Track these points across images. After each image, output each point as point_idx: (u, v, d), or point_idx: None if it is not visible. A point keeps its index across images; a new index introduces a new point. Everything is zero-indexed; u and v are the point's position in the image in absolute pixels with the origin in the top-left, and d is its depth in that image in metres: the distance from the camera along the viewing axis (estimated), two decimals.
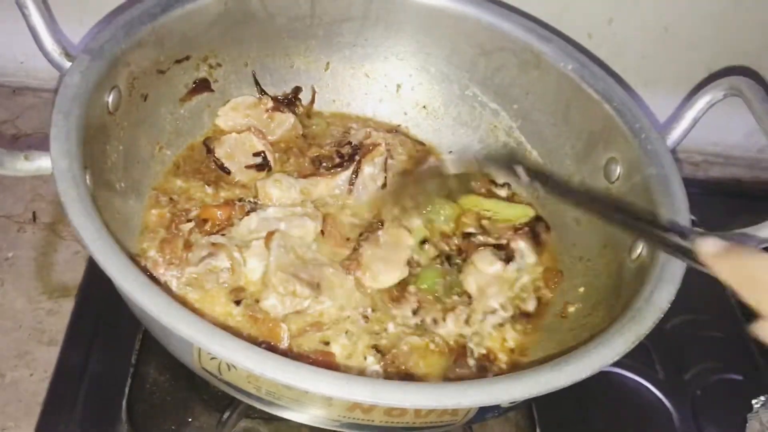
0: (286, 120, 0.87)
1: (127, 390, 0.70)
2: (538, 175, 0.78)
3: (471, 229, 0.81)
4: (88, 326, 0.76)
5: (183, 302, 0.67)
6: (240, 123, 0.86)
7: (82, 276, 0.82)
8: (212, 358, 0.51)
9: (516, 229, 0.82)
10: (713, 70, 1.04)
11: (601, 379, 0.76)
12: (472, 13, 0.85)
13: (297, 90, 0.91)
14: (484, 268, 0.74)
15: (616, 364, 0.56)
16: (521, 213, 0.82)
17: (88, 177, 0.61)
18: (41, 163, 0.59)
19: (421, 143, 0.93)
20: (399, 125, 0.94)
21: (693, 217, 0.68)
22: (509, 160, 0.81)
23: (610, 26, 0.99)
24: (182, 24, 0.77)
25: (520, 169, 0.76)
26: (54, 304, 0.81)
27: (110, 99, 0.69)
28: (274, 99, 0.88)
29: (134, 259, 0.69)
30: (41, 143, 0.59)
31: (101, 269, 0.52)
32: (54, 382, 0.71)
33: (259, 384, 0.53)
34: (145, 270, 0.69)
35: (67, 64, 0.67)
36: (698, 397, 0.82)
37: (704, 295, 0.92)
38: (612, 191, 0.77)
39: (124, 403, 0.69)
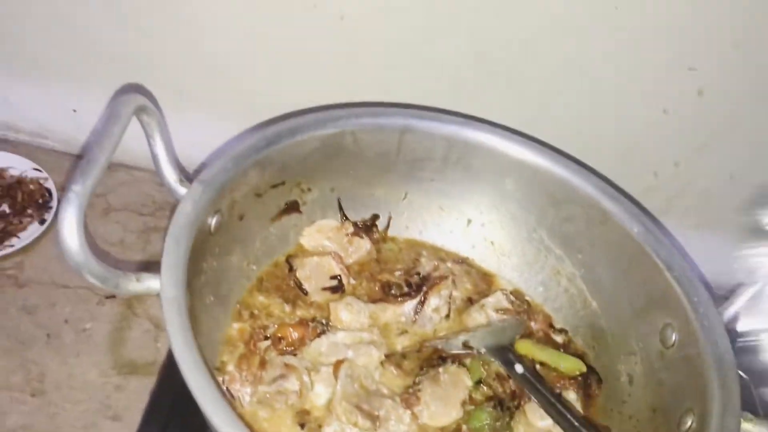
0: (363, 246, 0.93)
1: None
2: (530, 381, 0.82)
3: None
4: (165, 409, 0.81)
5: (253, 419, 0.74)
6: (322, 244, 0.93)
7: (165, 357, 0.86)
8: None
9: (568, 378, 0.85)
10: None
11: None
12: (546, 165, 0.90)
13: (375, 217, 0.97)
14: (534, 420, 0.78)
15: None
16: (573, 367, 0.85)
17: (188, 299, 0.68)
18: (150, 284, 0.66)
19: (487, 274, 0.98)
20: (467, 257, 0.99)
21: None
22: (509, 358, 0.84)
23: (677, 168, 1.03)
24: (282, 156, 0.84)
25: (519, 367, 0.81)
26: (122, 379, 0.86)
27: (213, 222, 0.76)
28: (354, 225, 0.95)
29: (213, 373, 0.75)
30: (150, 265, 0.66)
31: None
32: None
33: None
34: (222, 383, 0.75)
35: (181, 190, 0.75)
36: None
37: None
38: (666, 356, 0.80)
39: None
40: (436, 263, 0.94)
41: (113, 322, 0.91)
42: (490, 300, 0.91)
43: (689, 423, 0.71)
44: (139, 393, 0.85)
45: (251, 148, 0.80)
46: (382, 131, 0.91)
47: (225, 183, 0.77)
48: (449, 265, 0.96)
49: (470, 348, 0.85)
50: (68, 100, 1.06)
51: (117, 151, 1.06)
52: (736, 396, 0.70)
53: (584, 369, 0.85)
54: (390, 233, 0.99)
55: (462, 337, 0.85)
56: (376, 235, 0.97)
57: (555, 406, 0.78)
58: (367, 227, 0.97)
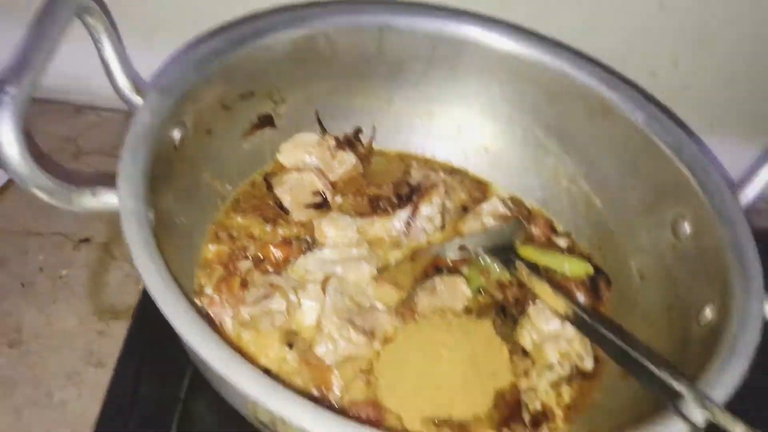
0: (348, 159, 0.87)
1: (174, 426, 0.70)
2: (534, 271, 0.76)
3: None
4: (140, 351, 0.76)
5: (237, 343, 0.68)
6: (302, 160, 0.86)
7: (138, 299, 0.82)
8: (268, 412, 0.50)
9: (575, 282, 0.79)
10: None
11: None
12: (539, 57, 0.83)
13: (358, 130, 0.91)
14: (541, 324, 0.72)
15: None
16: (580, 269, 0.79)
17: (151, 215, 0.61)
18: (108, 199, 0.59)
19: (482, 183, 0.92)
20: (460, 167, 0.93)
21: None
22: (509, 257, 0.79)
23: (675, 68, 0.97)
24: (249, 61, 0.77)
25: (519, 264, 0.75)
26: (104, 325, 0.81)
27: (176, 135, 0.70)
28: (337, 139, 0.88)
29: (191, 297, 0.70)
30: (106, 179, 0.60)
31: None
32: (105, 408, 0.72)
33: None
34: (201, 308, 0.69)
35: (137, 100, 0.68)
36: None
37: None
38: (678, 248, 0.74)
39: None
40: (426, 172, 0.87)
41: (90, 267, 0.86)
42: (486, 206, 0.85)
43: (709, 315, 0.66)
44: (122, 338, 0.80)
45: (213, 52, 0.73)
46: (359, 31, 0.83)
47: (186, 92, 0.70)
48: (441, 176, 0.89)
49: (466, 251, 0.78)
50: None
51: (84, 93, 1.02)
52: (759, 280, 0.64)
53: (591, 270, 0.80)
54: (376, 146, 0.92)
55: (457, 241, 0.80)
56: (360, 149, 0.91)
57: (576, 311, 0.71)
58: (350, 141, 0.90)
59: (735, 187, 0.74)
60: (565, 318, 0.70)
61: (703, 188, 0.72)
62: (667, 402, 0.53)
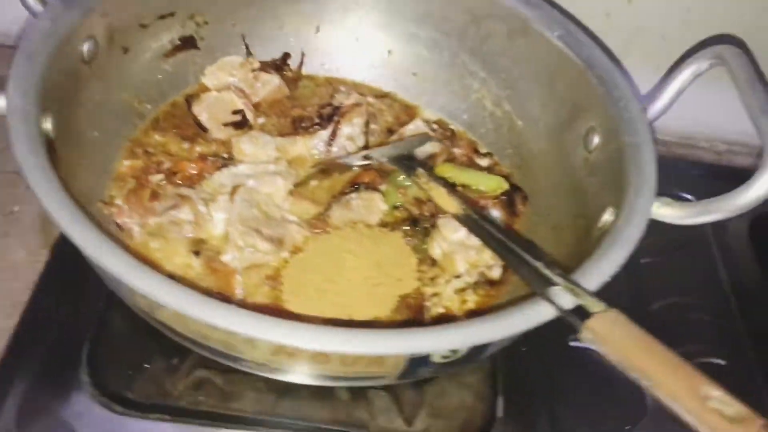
0: (271, 81, 0.87)
1: (89, 335, 0.71)
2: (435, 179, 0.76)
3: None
4: (64, 274, 0.77)
5: (144, 251, 0.69)
6: (225, 82, 0.86)
7: None
8: (142, 297, 0.52)
9: (492, 198, 0.80)
10: None
11: (574, 353, 0.75)
12: None
13: (286, 56, 0.91)
14: (449, 234, 0.73)
15: None
16: (496, 186, 0.80)
17: (49, 121, 0.62)
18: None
19: (410, 107, 0.92)
20: (389, 92, 0.93)
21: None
22: (411, 164, 0.79)
23: (630, 5, 0.96)
24: None
25: (419, 170, 0.76)
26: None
27: (85, 48, 0.70)
28: (263, 63, 0.88)
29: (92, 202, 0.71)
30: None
31: None
32: (22, 323, 0.73)
33: (186, 324, 0.54)
34: (109, 217, 0.70)
35: (40, 9, 0.68)
36: None
37: (694, 276, 0.91)
38: (590, 161, 0.75)
39: (85, 347, 0.70)
40: (351, 93, 0.87)
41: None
42: (410, 127, 0.86)
43: (606, 218, 0.66)
44: None
45: None
46: None
47: (94, 4, 0.70)
48: (370, 99, 0.89)
49: (372, 160, 0.79)
50: None
51: None
52: (651, 181, 0.65)
53: (506, 186, 0.80)
54: (306, 72, 0.93)
55: (363, 153, 0.80)
56: (289, 74, 0.91)
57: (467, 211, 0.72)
58: (277, 66, 0.90)
59: (644, 99, 0.74)
60: (457, 218, 0.71)
61: (611, 97, 0.73)
62: (539, 291, 0.54)
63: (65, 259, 0.79)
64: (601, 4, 0.95)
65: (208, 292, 0.64)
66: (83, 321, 0.73)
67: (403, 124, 0.88)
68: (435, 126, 0.88)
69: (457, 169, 0.82)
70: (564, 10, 0.85)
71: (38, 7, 0.68)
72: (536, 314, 0.53)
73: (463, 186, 0.81)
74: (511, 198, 0.80)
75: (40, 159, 0.55)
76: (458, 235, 0.73)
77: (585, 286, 0.55)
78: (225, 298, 0.67)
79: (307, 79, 0.92)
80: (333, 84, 0.92)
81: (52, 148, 0.61)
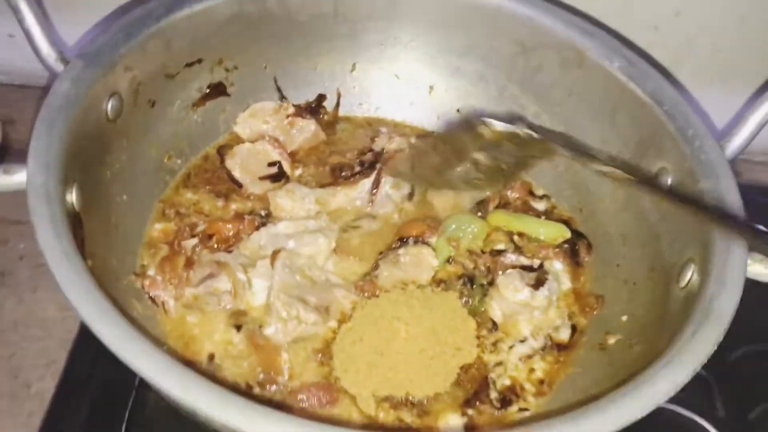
0: (307, 126, 0.81)
1: (127, 413, 0.66)
2: (543, 132, 0.68)
3: (501, 246, 0.73)
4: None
5: (180, 327, 0.64)
6: (259, 130, 0.81)
7: None
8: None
9: (553, 247, 0.73)
10: None
11: (652, 414, 0.68)
12: (508, 6, 0.77)
13: (321, 98, 0.85)
14: (509, 294, 0.66)
15: (671, 399, 0.48)
16: (556, 233, 0.73)
17: (73, 193, 0.57)
18: (22, 177, 0.55)
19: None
20: (433, 131, 0.87)
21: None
22: (513, 118, 0.72)
23: (678, 17, 0.90)
24: (191, 25, 0.72)
25: (522, 126, 0.66)
26: None
27: (109, 106, 0.66)
28: (297, 107, 0.83)
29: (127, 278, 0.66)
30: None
31: None
32: (60, 389, 0.69)
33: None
34: (142, 289, 0.65)
35: (61, 68, 0.63)
36: None
37: None
38: (663, 206, 0.68)
39: (123, 427, 0.65)
40: (391, 136, 0.81)
41: None
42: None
43: (689, 275, 0.60)
44: None
45: (146, 16, 0.68)
46: None
47: (116, 58, 0.65)
48: (413, 141, 0.83)
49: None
50: None
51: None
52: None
53: (568, 234, 0.73)
54: (342, 113, 0.87)
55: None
56: (325, 117, 0.85)
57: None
58: (312, 109, 0.84)
59: (721, 135, 0.67)
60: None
61: (684, 137, 0.66)
62: None
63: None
64: (649, 17, 0.90)
65: (252, 374, 0.59)
66: (120, 392, 0.68)
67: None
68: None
69: (512, 216, 0.76)
70: (612, 31, 0.79)
71: (59, 67, 0.63)
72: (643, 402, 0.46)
73: (520, 235, 0.74)
74: (573, 246, 0.74)
75: (64, 244, 0.50)
76: (521, 296, 0.66)
77: (679, 370, 0.48)
78: (271, 378, 0.61)
79: (345, 120, 0.87)
80: (372, 125, 0.87)
81: (77, 221, 0.56)
